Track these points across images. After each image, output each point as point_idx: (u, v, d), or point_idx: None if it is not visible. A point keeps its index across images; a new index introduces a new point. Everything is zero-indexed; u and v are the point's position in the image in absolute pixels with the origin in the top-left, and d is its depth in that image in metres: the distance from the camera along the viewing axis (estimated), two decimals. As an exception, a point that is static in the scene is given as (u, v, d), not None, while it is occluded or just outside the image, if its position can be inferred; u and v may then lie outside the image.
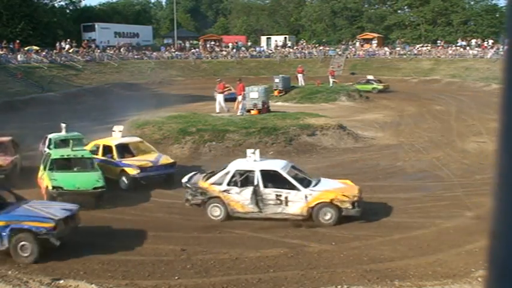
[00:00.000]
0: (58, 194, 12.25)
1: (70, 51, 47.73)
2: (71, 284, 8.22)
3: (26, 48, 44.33)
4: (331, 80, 38.40)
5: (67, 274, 8.66)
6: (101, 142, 15.81)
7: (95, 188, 12.53)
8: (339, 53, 54.59)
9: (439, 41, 56.09)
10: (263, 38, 64.14)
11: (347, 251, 9.66)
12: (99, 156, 15.08)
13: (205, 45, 58.88)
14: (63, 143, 16.30)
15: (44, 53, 44.40)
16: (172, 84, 44.40)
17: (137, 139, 16.69)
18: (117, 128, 16.33)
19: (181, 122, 20.60)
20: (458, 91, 38.52)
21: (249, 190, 11.42)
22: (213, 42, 60.55)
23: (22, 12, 49.71)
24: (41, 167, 13.82)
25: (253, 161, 12.07)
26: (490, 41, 51.13)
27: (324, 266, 8.97)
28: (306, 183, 11.67)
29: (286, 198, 11.27)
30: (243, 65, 51.93)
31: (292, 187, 11.33)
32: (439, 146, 19.92)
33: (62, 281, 8.31)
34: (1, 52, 41.25)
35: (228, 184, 11.71)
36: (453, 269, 8.72)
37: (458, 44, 53.20)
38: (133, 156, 15.46)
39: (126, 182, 14.39)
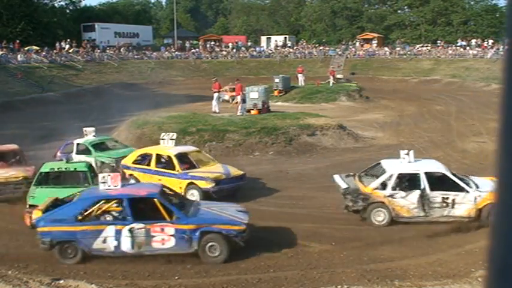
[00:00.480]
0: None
1: (70, 51, 47.75)
2: (71, 284, 8.21)
3: (26, 48, 44.34)
4: (331, 80, 38.41)
5: (67, 274, 8.66)
6: (152, 151, 14.24)
7: None
8: (339, 53, 54.59)
9: (439, 41, 56.10)
10: (263, 38, 64.14)
11: (347, 251, 9.66)
12: (152, 167, 13.66)
13: (205, 45, 58.90)
14: (99, 147, 15.90)
15: (44, 53, 44.41)
16: (172, 84, 44.40)
17: (195, 148, 15.29)
18: (168, 136, 14.64)
19: (181, 122, 20.60)
20: (458, 91, 38.52)
21: (416, 194, 11.11)
22: (213, 42, 60.57)
23: (22, 12, 49.71)
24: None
25: (408, 162, 11.64)
26: (490, 41, 51.14)
27: (324, 266, 8.97)
28: (469, 184, 11.34)
29: (453, 200, 10.98)
30: (243, 65, 51.93)
31: (461, 189, 11.02)
32: (439, 146, 19.92)
33: (62, 281, 8.30)
34: (1, 52, 41.24)
35: (393, 188, 11.34)
36: (453, 269, 8.73)
37: (458, 44, 53.22)
38: (196, 167, 13.67)
39: (195, 196, 12.75)
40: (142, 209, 9.56)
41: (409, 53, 52.81)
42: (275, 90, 33.71)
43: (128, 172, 14.04)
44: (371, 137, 21.73)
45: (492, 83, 37.58)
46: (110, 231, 9.21)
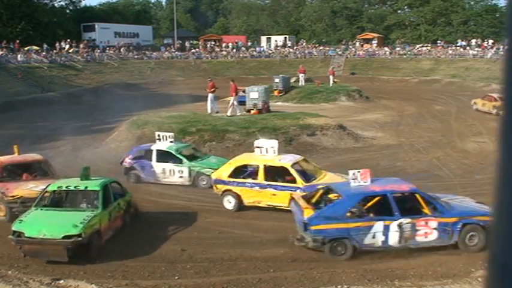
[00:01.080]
0: (16, 241, 9.32)
1: (70, 51, 47.75)
2: (71, 284, 8.22)
3: (26, 48, 44.35)
4: (331, 80, 38.40)
5: (67, 274, 8.67)
6: (257, 161, 12.64)
7: (65, 237, 9.16)
8: (339, 53, 54.59)
9: (439, 41, 56.10)
10: (263, 38, 64.15)
11: (347, 251, 9.65)
12: (260, 180, 12.25)
13: (205, 45, 58.91)
14: (186, 155, 14.73)
15: (44, 53, 44.41)
16: (172, 84, 44.39)
17: (301, 157, 13.59)
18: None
19: (181, 122, 20.60)
20: (458, 91, 38.51)
21: None
22: (213, 42, 60.58)
23: (22, 12, 49.72)
24: None
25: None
26: (490, 41, 51.13)
27: (324, 266, 8.98)
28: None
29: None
30: (243, 65, 51.94)
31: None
32: (439, 146, 19.93)
33: (62, 281, 8.31)
34: (1, 52, 41.25)
35: None
36: (453, 269, 8.73)
37: (458, 44, 53.21)
38: (312, 177, 12.29)
39: None
40: (406, 203, 9.84)
41: (409, 53, 52.81)
42: (275, 90, 33.72)
43: (222, 187, 12.64)
44: (371, 137, 21.73)
45: (492, 83, 37.57)
46: (379, 226, 9.46)
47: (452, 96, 35.38)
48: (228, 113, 22.76)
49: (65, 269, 8.90)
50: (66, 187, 10.69)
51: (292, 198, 10.79)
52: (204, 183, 14.35)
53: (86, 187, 10.63)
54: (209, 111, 23.48)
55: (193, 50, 56.39)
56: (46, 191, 10.56)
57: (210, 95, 23.88)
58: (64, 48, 48.08)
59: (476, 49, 49.89)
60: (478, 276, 8.17)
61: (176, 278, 8.56)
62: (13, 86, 35.62)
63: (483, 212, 9.68)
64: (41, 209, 10.11)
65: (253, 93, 24.26)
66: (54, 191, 10.63)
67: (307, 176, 12.25)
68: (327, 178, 12.14)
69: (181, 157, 14.64)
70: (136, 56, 51.91)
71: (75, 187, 10.65)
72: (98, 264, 9.12)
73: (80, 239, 9.15)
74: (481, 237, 9.51)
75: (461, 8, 61.80)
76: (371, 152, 19.13)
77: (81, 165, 17.12)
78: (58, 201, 10.63)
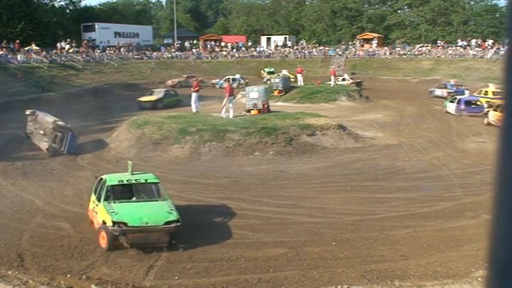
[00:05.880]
0: (121, 232, 9.62)
1: (70, 51, 47.74)
2: (71, 284, 8.22)
3: (26, 48, 44.34)
4: (332, 80, 38.38)
5: (67, 274, 8.66)
6: None
7: (166, 223, 9.83)
8: (339, 53, 54.61)
9: (439, 41, 56.09)
10: (263, 38, 64.16)
11: (347, 251, 9.66)
12: None
13: (205, 45, 58.90)
14: None
15: (44, 53, 44.40)
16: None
17: None
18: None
19: (181, 122, 20.60)
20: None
21: None
22: (213, 42, 60.57)
23: (22, 12, 49.68)
24: (93, 196, 11.17)
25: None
26: (490, 41, 51.12)
27: (324, 266, 8.97)
28: None
29: None
30: (243, 65, 51.94)
31: None
32: (439, 146, 19.92)
33: (62, 281, 8.31)
34: (1, 52, 41.23)
35: None
36: (453, 269, 8.73)
37: (458, 44, 53.21)
38: None
39: None
40: None
41: (409, 53, 52.83)
42: (275, 90, 33.73)
43: None
44: (371, 137, 21.72)
45: (492, 83, 37.53)
46: None
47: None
48: (223, 114, 22.57)
49: (65, 269, 8.90)
50: (127, 181, 10.96)
51: None
52: None
53: (146, 180, 11.10)
54: (194, 110, 23.64)
55: (193, 50, 56.41)
56: (107, 186, 10.63)
57: (193, 94, 23.94)
58: (64, 48, 48.08)
59: (476, 49, 49.88)
60: (478, 276, 8.17)
61: (176, 278, 8.56)
62: (13, 86, 35.59)
63: None
64: (114, 202, 10.29)
65: (253, 93, 24.25)
66: (114, 185, 10.80)
67: None
68: None
69: None
70: (136, 56, 51.92)
71: (135, 180, 11.01)
72: (98, 264, 9.12)
73: (179, 224, 9.83)
74: None
75: (461, 8, 61.79)
76: (371, 152, 19.13)
77: (82, 165, 17.27)
78: (124, 194, 10.86)
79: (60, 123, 18.85)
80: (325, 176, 15.70)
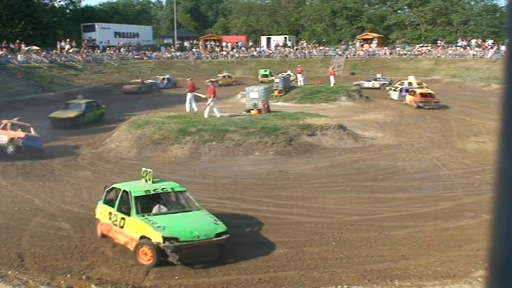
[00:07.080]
0: (175, 248, 8.75)
1: (70, 51, 47.75)
2: (71, 284, 8.22)
3: (26, 48, 44.34)
4: (332, 80, 38.37)
5: (67, 274, 8.65)
6: None
7: (217, 235, 9.12)
8: (339, 53, 54.61)
9: (439, 41, 56.10)
10: (263, 38, 64.16)
11: (347, 251, 9.66)
12: None
13: (205, 45, 58.90)
14: None
15: (44, 53, 44.41)
16: (172, 84, 44.34)
17: None
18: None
19: (181, 122, 20.59)
20: (458, 91, 38.52)
21: None
22: (213, 42, 60.57)
23: (22, 12, 49.71)
24: (107, 208, 10.23)
25: None
26: (490, 41, 51.13)
27: (324, 266, 8.97)
28: None
29: None
30: (243, 65, 51.95)
31: None
32: (439, 146, 19.93)
33: (62, 281, 8.31)
34: (1, 52, 41.25)
35: None
36: (453, 269, 8.73)
37: (458, 44, 53.23)
38: None
39: None
40: None
41: (409, 53, 52.84)
42: (275, 90, 33.73)
43: None
44: (371, 137, 21.72)
45: (492, 83, 37.58)
46: None
47: (452, 96, 35.34)
48: (205, 115, 21.96)
49: (65, 269, 8.89)
50: (154, 190, 10.11)
51: None
52: None
53: (173, 188, 10.44)
54: (188, 109, 23.54)
55: (193, 50, 56.41)
56: (135, 198, 9.68)
57: (188, 95, 23.88)
58: (64, 48, 48.09)
59: (476, 49, 49.89)
60: (478, 276, 8.17)
61: (176, 278, 8.55)
62: (13, 86, 35.61)
63: None
64: (149, 215, 9.47)
65: (253, 93, 24.24)
66: (141, 196, 9.86)
67: None
68: None
69: None
70: (136, 56, 51.95)
71: (162, 189, 10.28)
72: (97, 264, 9.12)
73: (228, 235, 9.17)
74: None
75: (461, 8, 61.80)
76: (371, 152, 19.13)
77: (82, 165, 17.27)
78: (151, 205, 9.96)
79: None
80: (325, 176, 15.70)
